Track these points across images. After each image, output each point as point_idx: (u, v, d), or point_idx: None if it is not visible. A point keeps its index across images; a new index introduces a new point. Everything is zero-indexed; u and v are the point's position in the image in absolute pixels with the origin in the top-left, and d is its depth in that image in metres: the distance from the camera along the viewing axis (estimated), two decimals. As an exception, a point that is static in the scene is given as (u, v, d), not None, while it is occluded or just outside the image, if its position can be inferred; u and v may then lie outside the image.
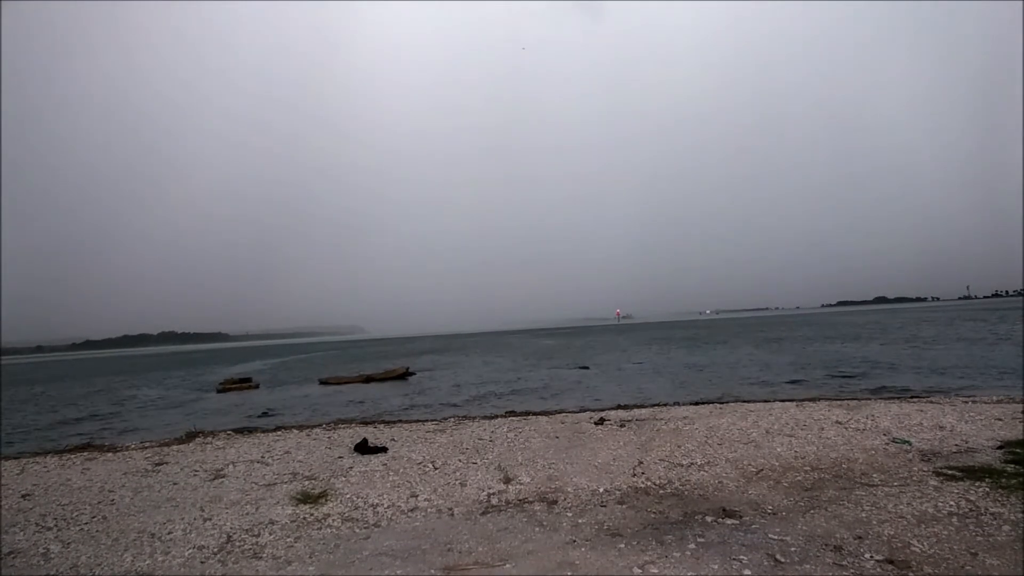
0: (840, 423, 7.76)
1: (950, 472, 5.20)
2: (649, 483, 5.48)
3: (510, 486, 5.66)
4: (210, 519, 5.10)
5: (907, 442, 6.50)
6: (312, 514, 5.09)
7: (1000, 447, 6.06)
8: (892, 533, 3.90)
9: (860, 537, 3.86)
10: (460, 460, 6.88)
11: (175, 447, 9.14)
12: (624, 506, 4.84)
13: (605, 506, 4.88)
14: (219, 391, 23.81)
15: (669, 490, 5.23)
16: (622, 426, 8.49)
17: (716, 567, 3.52)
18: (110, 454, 8.91)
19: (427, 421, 11.17)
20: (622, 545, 3.96)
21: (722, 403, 11.14)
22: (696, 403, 11.69)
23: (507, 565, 3.73)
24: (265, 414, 15.39)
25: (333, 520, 4.90)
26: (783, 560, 3.57)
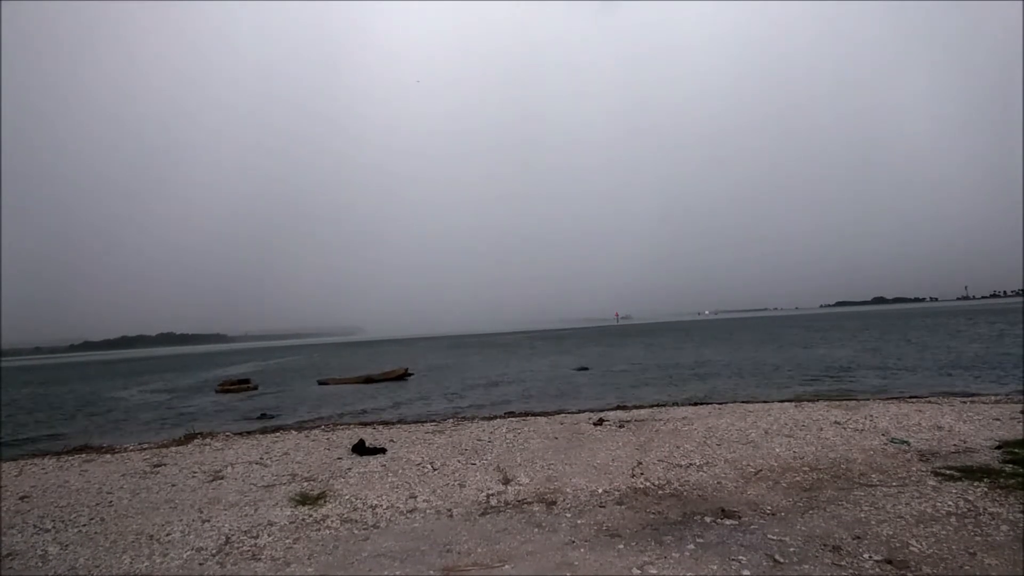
0: (839, 423, 7.77)
1: (948, 472, 5.20)
2: (648, 484, 5.48)
3: (509, 487, 5.66)
4: (209, 520, 5.09)
5: (905, 442, 6.50)
6: (311, 515, 5.08)
7: (998, 447, 6.07)
8: (891, 533, 3.90)
9: (859, 537, 3.86)
10: (459, 461, 6.87)
11: (173, 448, 9.13)
12: (623, 507, 4.84)
13: (604, 507, 4.88)
14: (218, 392, 23.79)
15: (668, 491, 5.23)
16: (621, 427, 8.49)
17: (715, 567, 3.52)
18: (108, 455, 8.89)
19: (426, 422, 11.17)
20: (621, 546, 3.96)
21: (721, 403, 11.14)
22: (695, 403, 11.69)
23: (506, 566, 3.72)
24: (264, 415, 15.36)
25: (332, 521, 4.89)
26: (782, 560, 3.57)
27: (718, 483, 5.38)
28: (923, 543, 3.71)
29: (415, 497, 5.49)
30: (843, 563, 3.49)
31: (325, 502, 5.48)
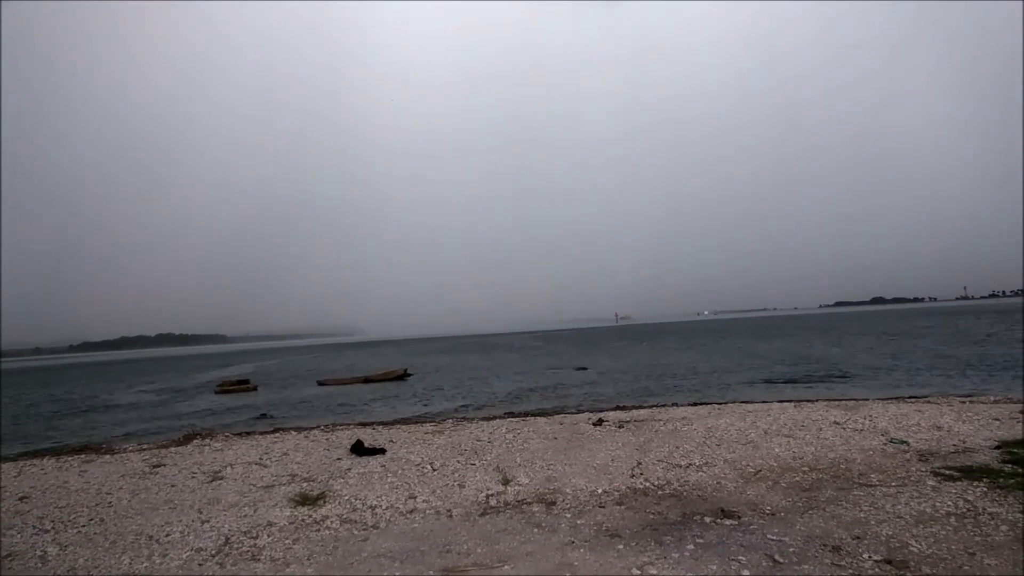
0: (838, 423, 7.77)
1: (948, 472, 5.21)
2: (648, 484, 5.48)
3: (509, 487, 5.66)
4: (208, 521, 5.09)
5: (905, 442, 6.51)
6: (310, 516, 5.08)
7: (998, 447, 6.07)
8: (890, 533, 3.90)
9: (858, 537, 3.86)
10: (458, 461, 6.87)
11: (173, 449, 9.12)
12: (623, 507, 4.84)
13: (604, 507, 4.87)
14: (217, 392, 23.78)
15: (668, 491, 5.23)
16: (620, 427, 8.49)
17: (715, 567, 3.52)
18: (107, 456, 8.89)
19: (425, 422, 11.17)
20: (621, 546, 3.96)
21: (720, 404, 11.15)
22: (694, 404, 11.70)
23: (506, 566, 3.72)
24: (263, 416, 15.36)
25: (331, 522, 4.89)
26: (781, 560, 3.57)
27: (718, 483, 5.38)
28: (922, 543, 3.71)
29: (414, 497, 5.49)
30: (843, 563, 3.49)
31: (324, 503, 5.47)
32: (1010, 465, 5.30)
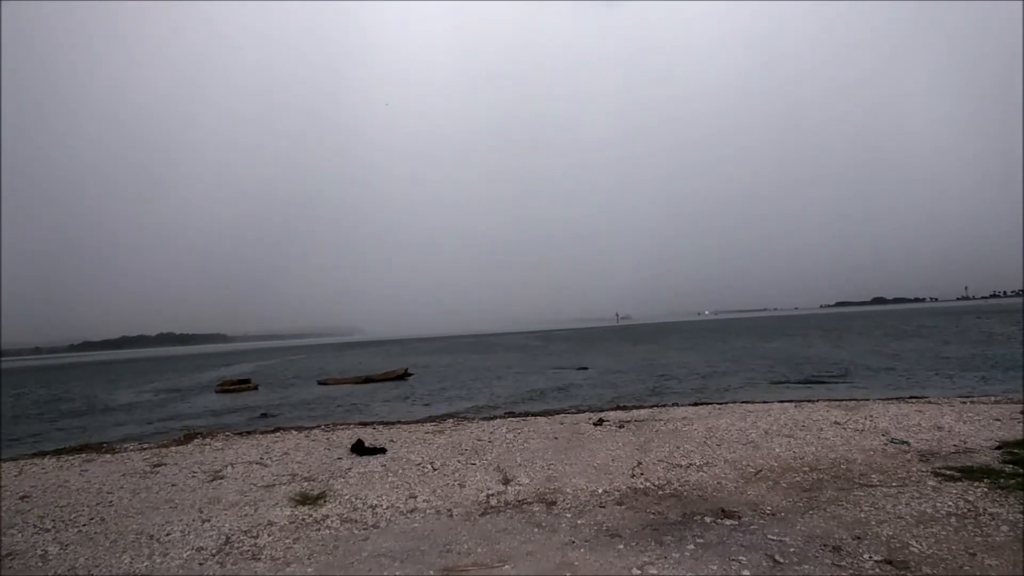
0: (839, 424, 7.77)
1: (948, 472, 5.20)
2: (648, 484, 5.48)
3: (509, 487, 5.66)
4: (209, 520, 5.10)
5: (905, 442, 6.51)
6: (311, 515, 5.08)
7: (998, 447, 6.07)
8: (891, 533, 3.90)
9: (859, 537, 3.86)
10: (459, 461, 6.87)
11: (173, 448, 9.13)
12: (623, 507, 4.84)
13: (604, 507, 4.87)
14: (218, 392, 23.79)
15: (668, 491, 5.23)
16: (621, 427, 8.49)
17: (715, 567, 3.52)
18: (108, 455, 8.89)
19: (426, 422, 11.17)
20: (621, 546, 3.96)
21: (721, 404, 11.15)
22: (695, 404, 11.70)
23: (506, 566, 3.72)
24: (264, 415, 15.38)
25: (332, 521, 4.89)
26: (782, 560, 3.57)
27: (718, 483, 5.38)
28: (923, 543, 3.71)
29: (415, 497, 5.49)
30: (843, 563, 3.49)
31: (325, 502, 5.48)
32: (1011, 465, 5.29)
